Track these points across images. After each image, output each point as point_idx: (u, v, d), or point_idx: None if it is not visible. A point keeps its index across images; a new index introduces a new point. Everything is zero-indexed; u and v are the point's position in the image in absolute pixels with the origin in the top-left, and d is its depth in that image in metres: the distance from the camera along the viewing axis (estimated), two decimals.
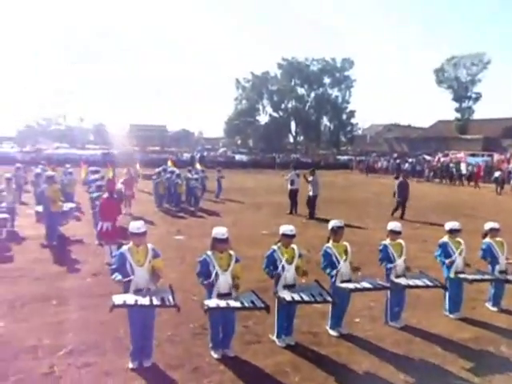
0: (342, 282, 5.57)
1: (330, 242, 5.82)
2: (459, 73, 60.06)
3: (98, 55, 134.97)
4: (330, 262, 5.66)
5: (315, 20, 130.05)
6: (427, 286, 5.90)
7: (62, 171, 17.52)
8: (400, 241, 6.16)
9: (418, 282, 5.87)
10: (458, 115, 61.24)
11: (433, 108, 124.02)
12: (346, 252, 5.75)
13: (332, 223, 5.89)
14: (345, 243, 5.86)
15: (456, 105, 61.39)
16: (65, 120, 79.48)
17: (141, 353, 4.90)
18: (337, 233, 5.81)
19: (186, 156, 42.96)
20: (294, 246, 5.52)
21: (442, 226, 6.99)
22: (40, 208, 11.34)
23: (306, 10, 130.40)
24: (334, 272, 5.55)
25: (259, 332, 5.79)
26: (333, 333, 5.81)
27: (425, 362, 5.18)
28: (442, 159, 39.19)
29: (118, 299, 4.52)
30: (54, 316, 6.16)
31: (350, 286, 5.51)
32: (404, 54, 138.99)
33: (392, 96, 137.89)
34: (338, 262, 5.62)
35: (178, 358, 5.08)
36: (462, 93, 60.07)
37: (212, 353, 5.13)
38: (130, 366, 4.84)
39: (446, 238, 6.56)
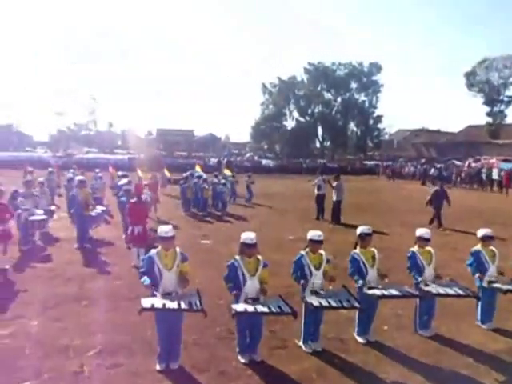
0: (370, 288, 5.51)
1: (358, 248, 5.78)
2: (491, 76, 58.68)
3: (115, 57, 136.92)
4: (357, 268, 5.62)
5: (341, 25, 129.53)
6: (458, 296, 5.72)
7: (93, 176, 17.93)
8: (429, 248, 6.04)
9: (449, 291, 5.71)
10: (490, 119, 59.76)
11: (463, 112, 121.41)
12: (373, 258, 5.70)
13: (360, 229, 5.83)
14: (372, 249, 5.80)
15: (487, 109, 60.00)
16: (95, 125, 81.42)
17: (168, 355, 4.96)
18: (365, 239, 5.76)
19: (213, 161, 43.28)
20: (321, 251, 5.50)
21: (473, 233, 6.80)
22: (34, 217, 11.56)
23: (331, 15, 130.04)
24: (361, 282, 5.50)
25: (285, 337, 5.78)
26: (360, 340, 5.75)
27: (456, 373, 5.04)
28: (472, 164, 38.22)
29: (147, 302, 4.58)
30: (84, 316, 6.31)
31: (378, 292, 5.42)
32: (434, 57, 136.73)
33: (420, 101, 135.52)
34: (366, 269, 5.58)
35: (204, 361, 5.12)
36: (494, 96, 58.61)
37: (239, 357, 5.15)
38: (158, 367, 4.90)
39: (478, 247, 6.38)
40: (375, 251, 5.79)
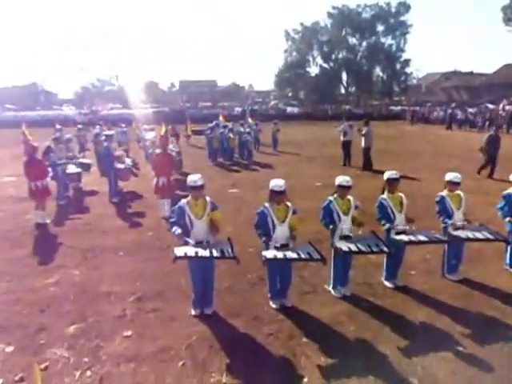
0: (397, 234, 5.52)
1: (385, 193, 5.76)
2: None
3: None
4: (385, 214, 5.62)
5: None
6: (487, 240, 5.67)
7: (118, 130, 18.09)
8: (459, 192, 5.96)
9: (478, 235, 5.67)
10: None
11: (499, 51, 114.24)
12: (401, 204, 5.68)
13: (387, 174, 5.78)
14: (400, 194, 5.76)
15: None
16: (117, 80, 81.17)
17: (202, 301, 5.20)
18: (392, 184, 5.71)
19: (237, 110, 42.90)
20: (350, 197, 5.51)
21: (507, 180, 6.63)
22: (71, 170, 11.78)
23: None
24: (388, 225, 5.51)
25: (315, 282, 5.94)
26: (388, 284, 5.86)
27: (483, 315, 5.12)
28: (507, 107, 36.62)
29: (180, 251, 4.74)
30: (122, 266, 6.63)
31: (405, 238, 5.42)
32: None
33: (452, 41, 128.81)
34: (394, 214, 5.58)
35: (237, 307, 5.34)
36: None
37: (270, 303, 5.35)
38: (193, 312, 5.17)
39: (510, 190, 6.27)
40: (403, 196, 5.75)
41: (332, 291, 5.65)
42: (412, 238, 5.43)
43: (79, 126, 19.88)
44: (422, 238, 5.45)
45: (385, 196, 5.72)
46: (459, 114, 35.86)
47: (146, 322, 5.02)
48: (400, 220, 5.60)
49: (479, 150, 13.89)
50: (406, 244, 5.46)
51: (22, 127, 11.50)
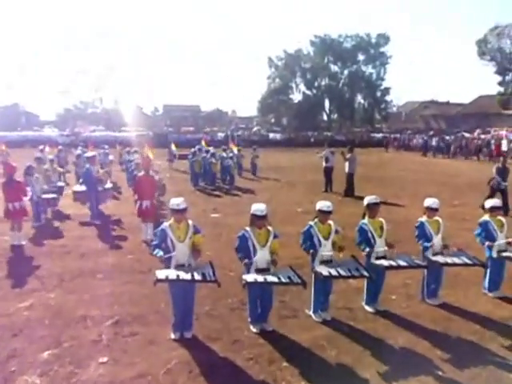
0: (377, 258, 5.58)
1: (366, 218, 5.83)
2: (503, 43, 57.11)
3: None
4: (365, 238, 5.68)
5: None
6: (466, 264, 5.82)
7: (100, 152, 18.02)
8: (437, 218, 6.08)
9: (457, 260, 5.79)
10: (501, 89, 58.49)
11: (474, 83, 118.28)
12: (381, 228, 5.75)
13: (367, 199, 5.87)
14: (380, 219, 5.84)
15: (499, 78, 58.67)
16: (101, 103, 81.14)
17: (182, 325, 5.11)
18: (372, 209, 5.80)
19: (220, 135, 43.29)
20: (330, 222, 5.56)
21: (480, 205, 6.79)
22: (78, 188, 11.75)
23: None
24: (368, 250, 5.56)
25: (296, 307, 5.91)
26: (369, 309, 5.87)
27: (462, 339, 5.15)
28: (482, 136, 37.82)
29: (161, 274, 4.70)
30: (100, 289, 6.49)
31: (385, 263, 5.49)
32: (443, 26, 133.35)
33: (430, 72, 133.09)
34: (374, 239, 5.64)
35: (217, 330, 5.27)
36: (506, 65, 57.20)
37: (251, 327, 5.29)
38: (172, 336, 5.07)
39: (486, 217, 6.41)
40: (383, 221, 5.83)
41: (313, 316, 5.62)
42: (392, 262, 5.50)
43: (59, 148, 19.75)
44: (401, 262, 5.53)
45: (365, 221, 5.79)
46: (433, 142, 37.39)
47: (123, 347, 4.89)
48: (380, 245, 5.66)
49: (488, 183, 12.92)
50: (386, 269, 5.52)
51: (1, 147, 11.34)
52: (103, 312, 5.69)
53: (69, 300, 6.11)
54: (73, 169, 16.92)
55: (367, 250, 5.57)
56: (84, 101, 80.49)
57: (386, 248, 5.67)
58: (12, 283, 6.73)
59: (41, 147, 19.08)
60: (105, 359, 4.64)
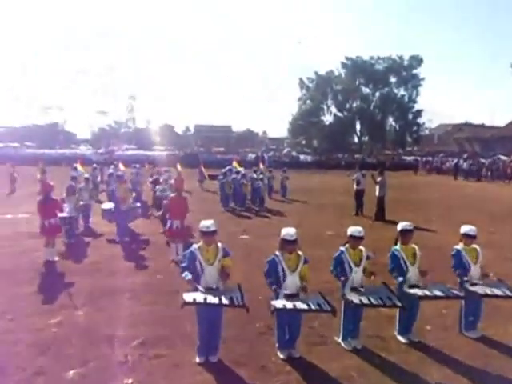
0: (410, 286, 5.36)
1: (398, 244, 5.64)
2: None
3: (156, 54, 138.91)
4: (397, 265, 5.47)
5: (381, 16, 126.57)
6: (507, 296, 5.49)
7: (132, 171, 18.36)
8: (475, 246, 5.81)
9: (496, 291, 5.45)
10: None
11: (509, 105, 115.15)
12: (414, 256, 5.54)
13: (401, 225, 5.68)
14: (413, 246, 5.64)
15: None
16: (134, 123, 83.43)
17: (207, 348, 5.02)
18: (406, 235, 5.61)
19: (251, 156, 43.59)
20: (361, 247, 5.42)
21: None
22: (105, 206, 11.95)
23: (370, 6, 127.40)
24: (401, 279, 5.36)
25: (325, 333, 5.73)
26: (402, 339, 5.61)
27: (503, 377, 4.83)
28: None
29: (189, 297, 4.65)
30: (127, 309, 6.49)
31: (419, 292, 5.25)
32: (479, 48, 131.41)
33: (464, 94, 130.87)
34: (406, 266, 5.43)
35: (243, 355, 5.15)
36: None
37: (278, 353, 5.15)
38: (197, 360, 4.97)
39: None
40: (416, 248, 5.62)
41: (342, 343, 5.43)
42: (426, 292, 5.26)
43: (94, 166, 20.26)
44: (437, 292, 5.28)
45: (398, 247, 5.60)
46: (464, 165, 36.71)
47: (148, 369, 4.83)
48: (413, 272, 5.44)
49: None
50: (419, 299, 5.29)
51: (39, 165, 11.66)
52: (129, 332, 5.66)
53: (96, 318, 6.12)
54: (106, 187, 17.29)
55: (400, 278, 5.38)
56: (118, 120, 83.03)
57: (419, 276, 5.44)
58: (43, 299, 6.84)
59: (74, 165, 19.63)
60: (129, 381, 4.59)
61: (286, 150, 59.66)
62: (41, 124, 76.47)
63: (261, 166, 22.74)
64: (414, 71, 67.84)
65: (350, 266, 5.25)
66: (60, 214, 9.40)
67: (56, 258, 8.94)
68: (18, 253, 9.47)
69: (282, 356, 5.10)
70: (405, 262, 5.45)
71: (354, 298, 4.97)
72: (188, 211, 9.47)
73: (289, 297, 4.88)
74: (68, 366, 4.83)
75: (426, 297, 5.24)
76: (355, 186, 16.00)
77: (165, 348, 5.29)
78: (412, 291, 5.27)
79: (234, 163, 21.59)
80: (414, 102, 69.64)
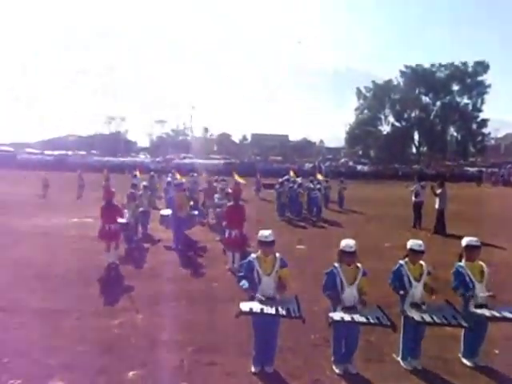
0: (477, 306, 5.03)
1: (463, 260, 5.31)
2: None
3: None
4: (462, 283, 5.15)
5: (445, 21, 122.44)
6: None
7: (189, 180, 18.84)
8: (480, 262, 5.33)
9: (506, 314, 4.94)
10: None
11: None
12: (481, 273, 5.20)
13: (467, 240, 5.35)
14: (480, 263, 5.29)
15: None
16: (192, 131, 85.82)
17: (263, 358, 5.00)
18: (472, 251, 5.26)
19: (308, 166, 43.49)
20: (422, 262, 5.19)
21: None
22: (164, 212, 12.29)
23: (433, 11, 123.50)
24: (467, 297, 5.05)
25: (383, 349, 5.54)
26: (467, 362, 5.29)
27: None
28: None
29: (245, 306, 4.66)
30: (183, 315, 6.63)
31: (487, 313, 4.91)
32: None
33: None
34: (473, 284, 5.11)
35: (298, 367, 5.09)
36: None
37: (333, 367, 5.04)
38: (253, 369, 4.97)
39: None
40: (483, 265, 5.28)
41: (401, 362, 5.21)
42: (495, 313, 4.89)
43: (151, 174, 20.97)
44: (507, 314, 4.87)
45: (462, 264, 5.27)
46: None
47: (203, 376, 4.89)
48: (480, 290, 5.11)
49: None
50: (488, 320, 4.96)
51: (104, 172, 12.20)
52: (185, 338, 5.77)
53: (154, 322, 6.30)
54: (164, 194, 17.85)
55: (467, 294, 5.06)
56: (175, 129, 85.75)
57: (486, 295, 5.10)
58: (104, 301, 7.14)
59: (134, 173, 20.45)
60: None
61: (342, 160, 58.99)
62: (105, 133, 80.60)
63: (318, 175, 22.58)
64: (480, 78, 64.92)
65: (410, 281, 5.05)
66: (120, 220, 9.82)
67: (117, 262, 9.30)
68: (83, 255, 9.97)
69: (337, 371, 4.99)
70: (471, 280, 5.13)
71: (415, 315, 4.77)
72: (245, 220, 9.53)
73: (346, 309, 4.78)
74: (128, 366, 4.99)
75: (494, 318, 4.89)
76: (413, 198, 15.52)
77: (219, 356, 5.33)
78: (479, 311, 4.95)
79: (291, 173, 21.58)
80: (479, 110, 66.65)
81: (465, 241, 5.38)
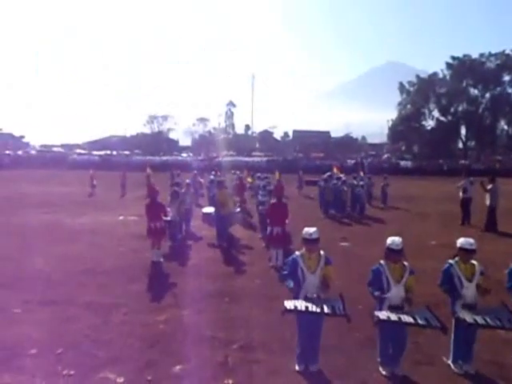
0: None
1: None
2: None
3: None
4: None
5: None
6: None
7: (232, 177, 18.99)
8: (474, 262, 4.99)
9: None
10: None
11: None
12: None
13: None
14: None
15: None
16: (233, 129, 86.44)
17: (307, 357, 4.96)
18: None
19: (350, 162, 42.95)
20: (474, 261, 4.97)
21: None
22: (206, 210, 12.41)
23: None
24: None
25: (431, 351, 5.37)
26: None
27: None
28: None
29: (290, 304, 4.64)
30: (227, 312, 6.68)
31: None
32: None
33: None
34: None
35: (343, 367, 5.01)
36: None
37: (380, 368, 4.93)
38: (297, 368, 4.95)
39: None
40: None
41: (452, 366, 5.01)
42: None
43: (194, 172, 21.31)
44: None
45: None
46: None
47: (248, 373, 4.91)
48: None
49: None
50: None
51: (146, 171, 12.44)
52: (229, 335, 5.81)
53: (199, 319, 6.39)
54: (207, 192, 18.10)
55: None
56: (217, 127, 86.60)
57: None
58: (150, 297, 7.31)
59: (178, 172, 20.83)
60: (230, 382, 4.69)
61: (385, 156, 57.73)
62: (147, 132, 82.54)
63: (360, 172, 22.23)
64: None
65: (461, 281, 4.84)
66: (164, 218, 10.00)
67: (161, 259, 9.50)
68: (129, 252, 10.26)
69: (384, 372, 4.87)
70: None
71: (467, 317, 4.56)
72: (288, 217, 9.49)
73: (393, 308, 4.66)
74: (174, 360, 5.09)
75: None
76: (461, 194, 14.99)
77: (263, 353, 5.33)
78: None
79: (334, 169, 21.32)
80: None
81: None
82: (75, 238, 11.84)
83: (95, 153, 59.66)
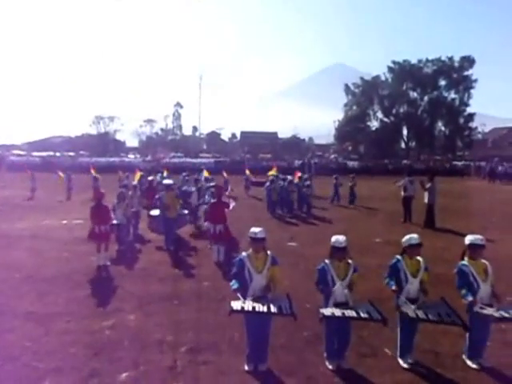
0: (482, 307, 4.84)
1: (466, 258, 5.13)
2: None
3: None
4: (466, 282, 4.97)
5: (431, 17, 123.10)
6: None
7: (181, 179, 18.72)
8: (484, 260, 5.13)
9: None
10: None
11: None
12: (485, 272, 5.03)
13: (471, 239, 5.13)
14: (484, 261, 5.11)
15: None
16: (181, 130, 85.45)
17: (256, 356, 5.00)
18: (475, 250, 5.06)
19: (297, 163, 43.66)
20: (419, 258, 5.16)
21: None
22: (153, 212, 12.15)
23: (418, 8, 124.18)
24: (471, 298, 4.84)
25: (375, 344, 5.57)
26: (471, 364, 5.07)
27: None
28: None
29: (237, 305, 4.64)
30: (175, 314, 6.58)
31: (496, 313, 4.71)
32: None
33: None
34: (477, 283, 4.94)
35: (291, 365, 5.09)
36: None
37: (326, 363, 5.05)
38: (246, 368, 4.97)
39: None
40: (487, 264, 5.09)
41: (400, 361, 5.13)
42: (504, 313, 4.70)
43: (142, 174, 20.82)
44: None
45: (465, 262, 5.09)
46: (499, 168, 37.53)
47: (197, 375, 4.87)
48: (485, 291, 4.95)
49: None
50: (497, 321, 4.80)
51: (92, 173, 12.01)
52: (178, 338, 5.74)
53: (147, 323, 6.26)
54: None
55: (470, 298, 4.86)
56: (165, 128, 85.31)
57: (491, 295, 4.96)
58: (96, 302, 7.08)
59: (126, 174, 20.29)
60: None
61: (332, 156, 59.20)
62: (93, 133, 79.95)
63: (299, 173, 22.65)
64: (466, 73, 65.50)
65: (406, 276, 5.01)
66: (113, 222, 9.66)
67: (108, 263, 9.22)
68: (73, 257, 9.87)
69: (330, 367, 5.00)
70: (475, 279, 4.96)
71: (410, 311, 4.74)
72: (227, 215, 9.73)
73: (338, 305, 4.80)
74: (120, 368, 4.95)
75: (504, 319, 4.72)
76: (402, 193, 15.60)
77: (212, 355, 5.32)
78: (485, 312, 4.77)
79: (273, 170, 21.67)
80: (466, 105, 67.23)
81: (468, 239, 5.15)
82: (13, 244, 11.24)
83: (35, 154, 56.90)
